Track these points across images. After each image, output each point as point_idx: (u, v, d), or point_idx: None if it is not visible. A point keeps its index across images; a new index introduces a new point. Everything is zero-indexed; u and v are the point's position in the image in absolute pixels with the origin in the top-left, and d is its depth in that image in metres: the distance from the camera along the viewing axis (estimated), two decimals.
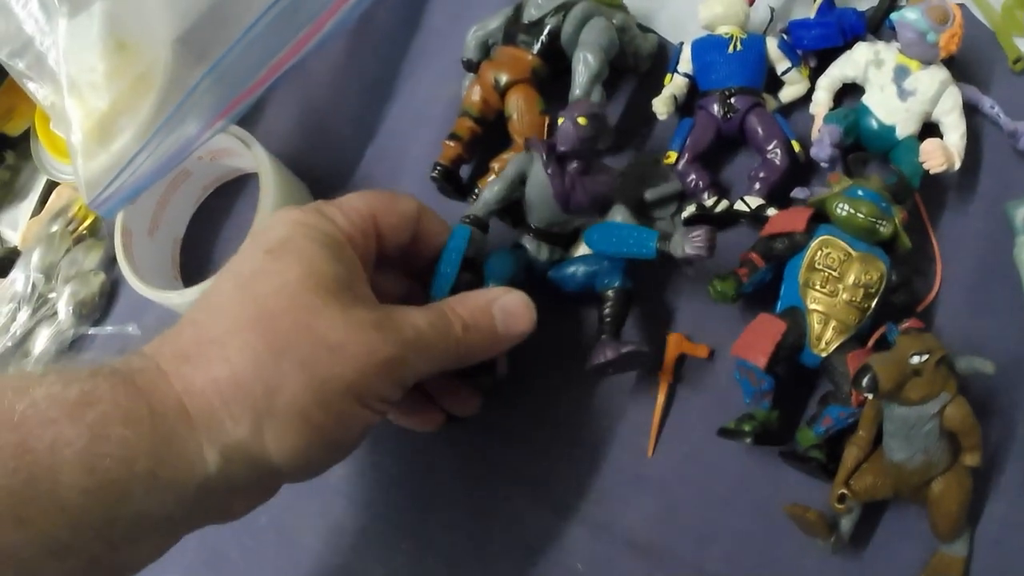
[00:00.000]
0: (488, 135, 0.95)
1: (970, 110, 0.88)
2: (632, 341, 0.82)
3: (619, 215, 0.85)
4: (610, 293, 0.84)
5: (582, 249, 0.87)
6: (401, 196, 0.79)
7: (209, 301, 0.70)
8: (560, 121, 0.82)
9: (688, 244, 0.77)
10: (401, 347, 0.69)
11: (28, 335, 1.06)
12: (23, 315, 1.07)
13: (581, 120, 0.81)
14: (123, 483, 0.59)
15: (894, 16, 0.86)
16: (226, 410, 0.63)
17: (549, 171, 0.82)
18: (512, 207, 0.86)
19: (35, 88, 0.93)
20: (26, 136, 1.19)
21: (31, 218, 1.16)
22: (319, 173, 1.02)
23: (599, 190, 0.84)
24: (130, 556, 0.63)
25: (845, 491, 0.76)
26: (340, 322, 0.66)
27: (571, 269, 0.86)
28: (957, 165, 0.85)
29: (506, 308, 0.77)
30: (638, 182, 0.92)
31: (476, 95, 0.94)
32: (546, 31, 0.92)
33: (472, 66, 0.97)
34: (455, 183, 0.94)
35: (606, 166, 0.87)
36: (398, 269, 0.83)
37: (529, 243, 0.87)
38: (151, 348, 0.68)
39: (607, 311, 0.83)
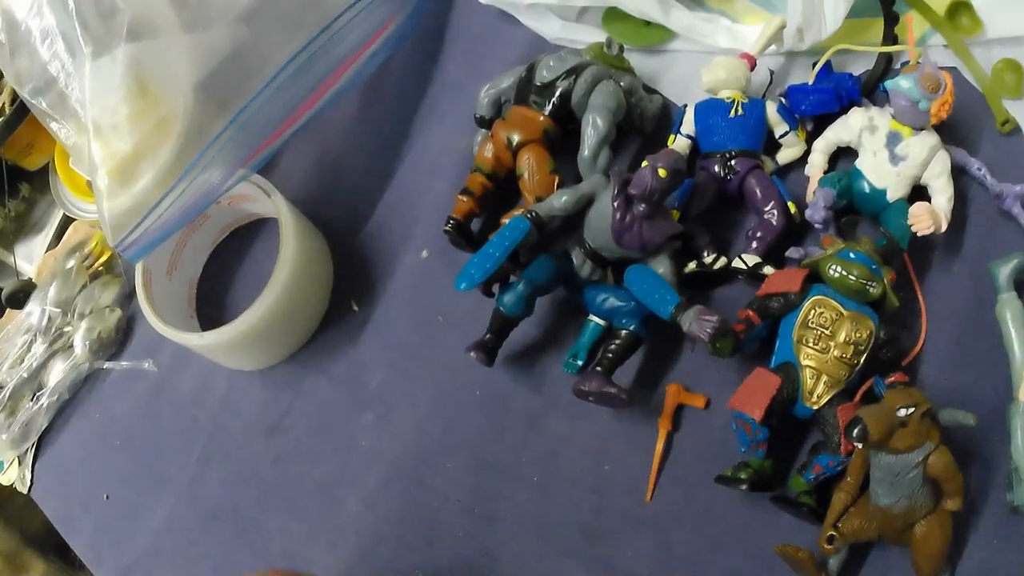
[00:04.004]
0: (498, 191, 0.97)
1: (958, 171, 0.91)
2: (618, 385, 0.86)
3: (661, 266, 0.88)
4: (622, 333, 0.88)
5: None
6: None
7: None
8: (643, 164, 0.85)
9: (695, 323, 0.82)
10: None
11: (42, 368, 1.08)
12: (39, 347, 1.09)
13: (661, 172, 0.83)
14: None
15: (888, 84, 0.89)
16: None
17: (615, 204, 0.86)
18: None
19: (57, 128, 0.96)
20: (42, 170, 1.21)
21: (46, 251, 1.18)
22: (334, 221, 1.05)
23: (653, 237, 0.87)
24: None
25: (834, 533, 0.80)
26: None
27: (602, 296, 0.90)
28: (944, 227, 0.88)
29: None
30: None
31: (488, 152, 0.96)
32: (558, 93, 0.95)
33: (484, 122, 1.00)
34: (467, 236, 0.97)
35: (670, 217, 0.89)
36: None
37: (576, 256, 0.90)
38: None
39: (612, 347, 0.87)
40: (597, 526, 0.89)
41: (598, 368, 0.86)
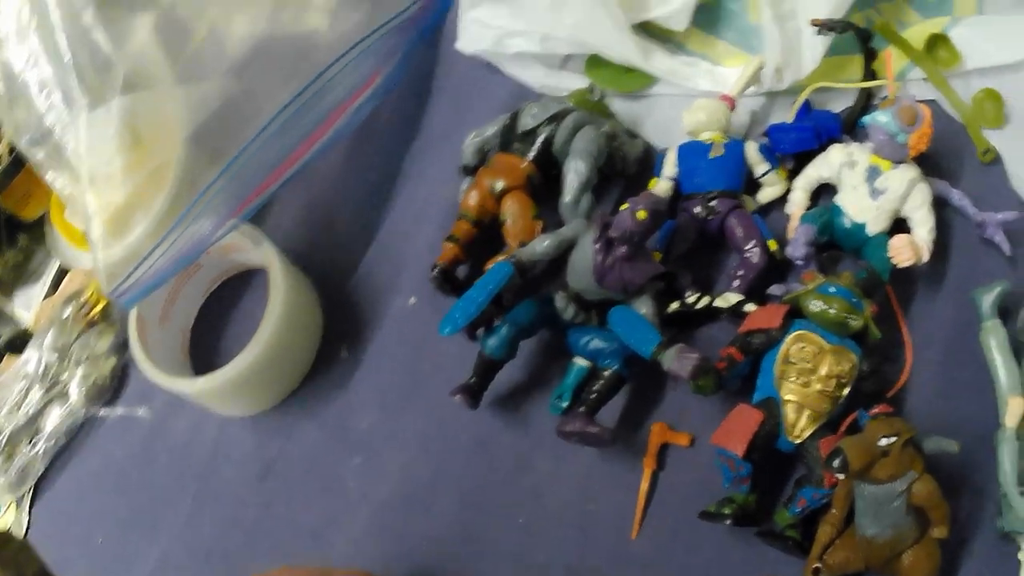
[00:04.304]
0: (483, 237, 0.98)
1: (939, 202, 0.92)
2: (600, 425, 0.86)
3: (644, 307, 0.89)
4: (606, 373, 0.88)
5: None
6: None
7: None
8: (623, 207, 0.86)
9: (677, 361, 0.82)
10: None
11: (39, 414, 1.09)
12: (35, 394, 1.09)
13: (641, 214, 0.85)
14: None
15: (866, 119, 0.90)
16: None
17: (596, 247, 0.87)
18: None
19: (53, 178, 0.96)
20: (39, 220, 1.22)
21: (43, 300, 1.19)
22: (324, 269, 1.06)
23: (635, 279, 0.88)
24: None
25: (819, 565, 0.80)
26: None
27: (586, 338, 0.90)
28: (925, 258, 0.89)
29: None
30: None
31: (473, 199, 0.97)
32: (540, 139, 0.96)
33: (469, 170, 1.01)
34: (453, 282, 0.97)
35: (651, 259, 0.90)
36: None
37: (560, 300, 0.91)
38: None
39: (596, 387, 0.88)
40: (583, 565, 0.89)
41: (581, 408, 0.87)
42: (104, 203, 0.91)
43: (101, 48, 0.93)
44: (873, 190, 0.90)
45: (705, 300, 0.92)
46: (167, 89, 0.94)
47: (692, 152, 0.96)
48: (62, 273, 1.19)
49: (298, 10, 1.02)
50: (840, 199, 0.92)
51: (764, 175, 0.96)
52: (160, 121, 0.93)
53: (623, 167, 1.00)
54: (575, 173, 0.94)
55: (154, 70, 0.94)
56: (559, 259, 0.91)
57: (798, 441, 0.82)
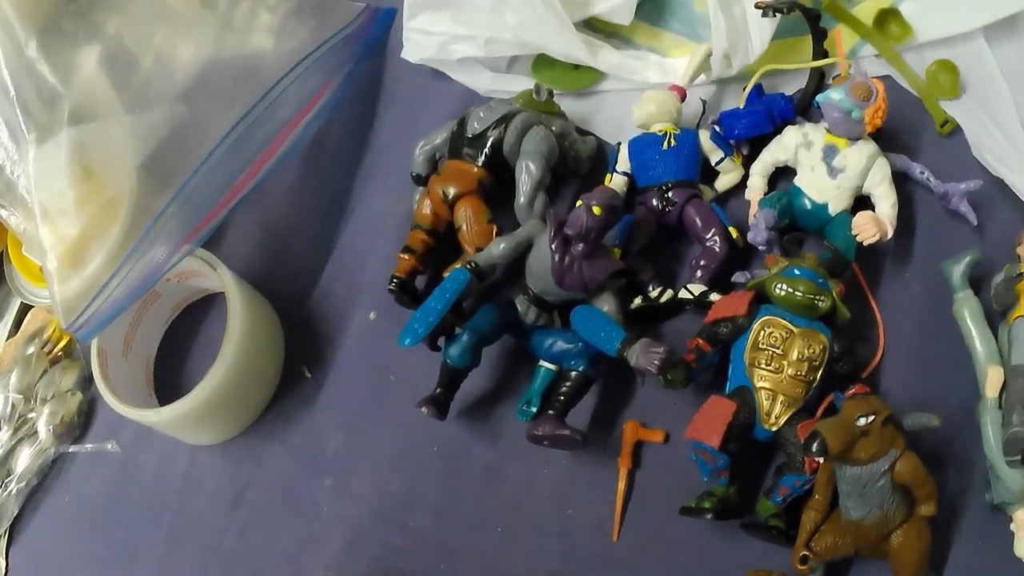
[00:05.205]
0: (441, 246, 0.98)
1: (901, 177, 0.92)
2: (571, 427, 0.85)
3: (606, 304, 0.88)
4: (573, 374, 0.87)
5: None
6: None
7: None
8: (578, 204, 0.85)
9: (643, 357, 0.81)
10: None
11: (9, 455, 1.08)
12: (4, 435, 1.08)
13: (596, 209, 0.83)
14: None
15: (819, 98, 0.90)
16: None
17: (553, 246, 0.86)
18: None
19: (7, 215, 0.96)
20: None
21: (7, 340, 1.17)
22: (282, 289, 1.05)
23: (595, 276, 0.87)
24: None
25: (807, 552, 0.80)
26: None
27: (549, 340, 0.89)
28: (890, 234, 0.88)
29: None
30: None
31: (426, 208, 0.97)
32: (489, 143, 0.95)
33: (421, 180, 1.00)
34: (412, 294, 0.97)
35: (610, 255, 0.90)
36: None
37: (521, 303, 0.91)
38: None
39: (563, 389, 0.87)
40: (566, 571, 0.89)
41: (550, 412, 0.86)
42: (59, 237, 0.90)
43: (47, 81, 0.92)
44: (832, 169, 0.90)
45: (668, 293, 0.91)
46: (115, 119, 0.93)
47: (644, 145, 0.95)
48: (23, 312, 1.18)
49: (243, 31, 1.01)
50: (799, 180, 0.92)
51: (720, 163, 0.96)
52: (110, 152, 0.92)
53: (576, 165, 1.00)
54: (527, 174, 0.93)
55: (101, 101, 0.94)
56: (518, 262, 0.90)
57: (774, 428, 0.82)
